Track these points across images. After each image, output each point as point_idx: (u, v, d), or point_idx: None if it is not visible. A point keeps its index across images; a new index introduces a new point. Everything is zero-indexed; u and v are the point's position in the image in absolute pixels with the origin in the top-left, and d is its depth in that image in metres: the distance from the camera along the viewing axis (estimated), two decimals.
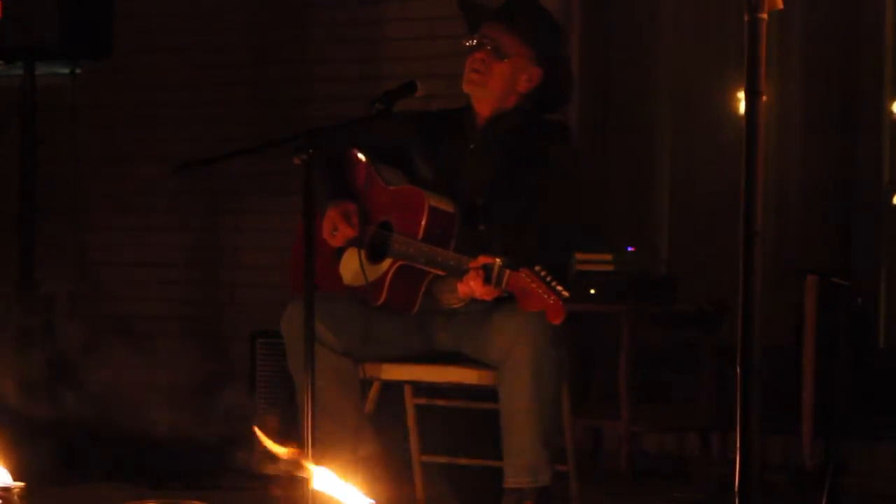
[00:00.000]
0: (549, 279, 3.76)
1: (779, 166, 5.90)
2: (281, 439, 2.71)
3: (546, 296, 3.75)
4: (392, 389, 4.40)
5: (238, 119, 6.74)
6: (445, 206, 4.21)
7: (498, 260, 3.88)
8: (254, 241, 6.72)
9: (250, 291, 6.72)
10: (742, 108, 2.72)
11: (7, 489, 2.95)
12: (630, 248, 5.66)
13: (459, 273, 3.99)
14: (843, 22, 5.92)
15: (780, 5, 2.69)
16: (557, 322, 3.77)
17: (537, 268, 3.78)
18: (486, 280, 3.88)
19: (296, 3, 6.73)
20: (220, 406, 4.97)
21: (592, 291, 5.46)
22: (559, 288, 3.74)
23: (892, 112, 5.83)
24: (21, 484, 2.98)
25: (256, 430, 2.75)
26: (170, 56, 6.92)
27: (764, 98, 2.65)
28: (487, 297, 3.95)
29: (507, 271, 3.84)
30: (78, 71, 5.68)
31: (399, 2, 6.15)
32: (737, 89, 5.86)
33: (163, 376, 5.91)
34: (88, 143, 6.59)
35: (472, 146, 4.33)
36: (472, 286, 3.94)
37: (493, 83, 4.28)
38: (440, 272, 4.10)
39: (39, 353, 5.40)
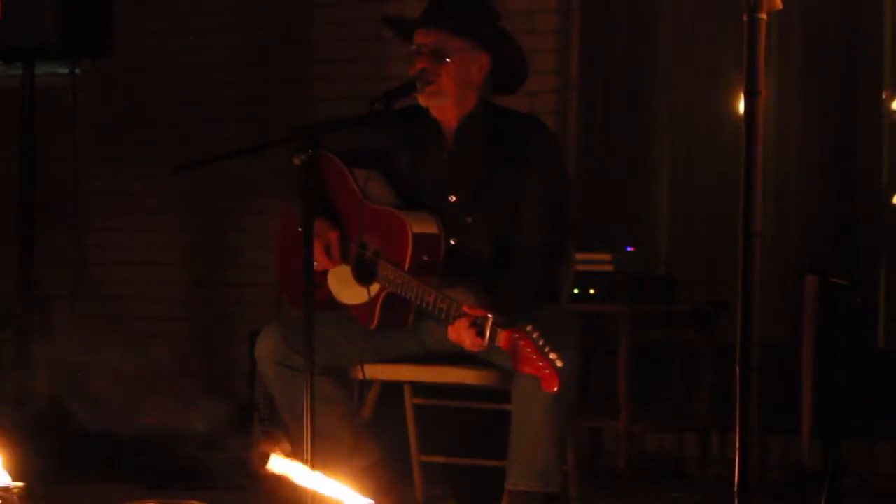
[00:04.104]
0: (543, 345, 3.65)
1: (778, 166, 5.90)
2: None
3: (540, 363, 3.65)
4: (392, 389, 4.39)
5: (238, 119, 6.74)
6: (428, 227, 4.13)
7: (490, 316, 3.79)
8: (254, 241, 6.72)
9: (250, 291, 6.72)
10: (741, 107, 2.72)
11: (7, 489, 2.95)
12: (629, 248, 5.67)
13: (449, 320, 3.91)
14: (842, 21, 5.92)
15: (780, 5, 2.70)
16: (552, 391, 3.67)
17: (529, 328, 3.68)
18: (479, 335, 3.81)
19: (296, 3, 6.73)
20: (219, 406, 4.96)
21: (592, 291, 5.46)
22: (553, 357, 3.64)
23: (891, 111, 5.83)
24: (21, 484, 2.98)
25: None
26: (170, 56, 6.92)
27: (763, 98, 2.66)
28: (476, 350, 3.88)
29: (500, 330, 3.76)
30: (77, 71, 5.68)
31: (399, 2, 6.13)
32: (736, 89, 5.86)
33: (162, 376, 5.91)
34: (88, 143, 6.59)
35: (445, 156, 4.23)
36: (461, 335, 3.87)
37: (447, 88, 4.14)
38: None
39: (39, 352, 5.40)
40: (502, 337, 3.76)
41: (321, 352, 4.11)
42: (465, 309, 3.87)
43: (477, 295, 3.96)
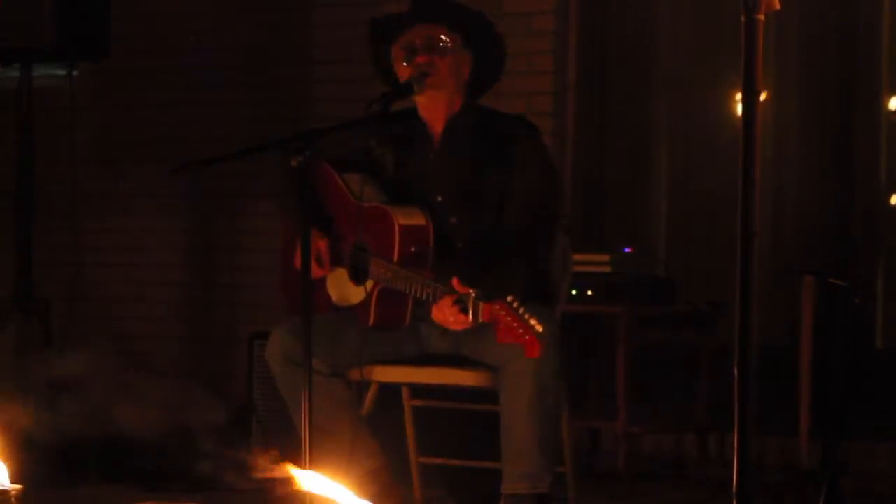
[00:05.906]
0: (523, 312, 3.68)
1: (776, 166, 5.90)
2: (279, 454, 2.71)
3: (521, 331, 3.67)
4: (390, 391, 4.40)
5: (238, 119, 6.74)
6: (415, 219, 4.14)
7: (472, 291, 3.81)
8: (253, 242, 6.72)
9: (249, 292, 6.72)
10: (739, 108, 2.72)
11: (5, 491, 2.94)
12: (627, 249, 5.66)
13: (437, 300, 3.94)
14: (839, 22, 5.93)
15: (778, 6, 2.69)
16: (534, 357, 3.70)
17: (510, 298, 3.70)
18: (462, 311, 3.83)
19: (296, 3, 6.74)
20: (218, 407, 4.96)
21: (590, 292, 5.45)
22: (533, 322, 3.66)
23: (888, 111, 5.83)
24: (19, 486, 2.98)
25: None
26: (168, 56, 6.92)
27: (761, 98, 2.66)
28: (459, 328, 3.91)
29: (482, 304, 3.77)
30: (75, 72, 5.68)
31: (399, 2, 6.13)
32: (734, 90, 5.86)
33: (162, 377, 5.91)
34: (86, 144, 6.59)
35: (432, 157, 4.26)
36: (445, 314, 3.90)
37: (446, 81, 4.16)
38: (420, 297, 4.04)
39: (37, 354, 5.40)
40: (484, 310, 3.77)
41: (330, 352, 4.13)
42: (451, 284, 3.88)
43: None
